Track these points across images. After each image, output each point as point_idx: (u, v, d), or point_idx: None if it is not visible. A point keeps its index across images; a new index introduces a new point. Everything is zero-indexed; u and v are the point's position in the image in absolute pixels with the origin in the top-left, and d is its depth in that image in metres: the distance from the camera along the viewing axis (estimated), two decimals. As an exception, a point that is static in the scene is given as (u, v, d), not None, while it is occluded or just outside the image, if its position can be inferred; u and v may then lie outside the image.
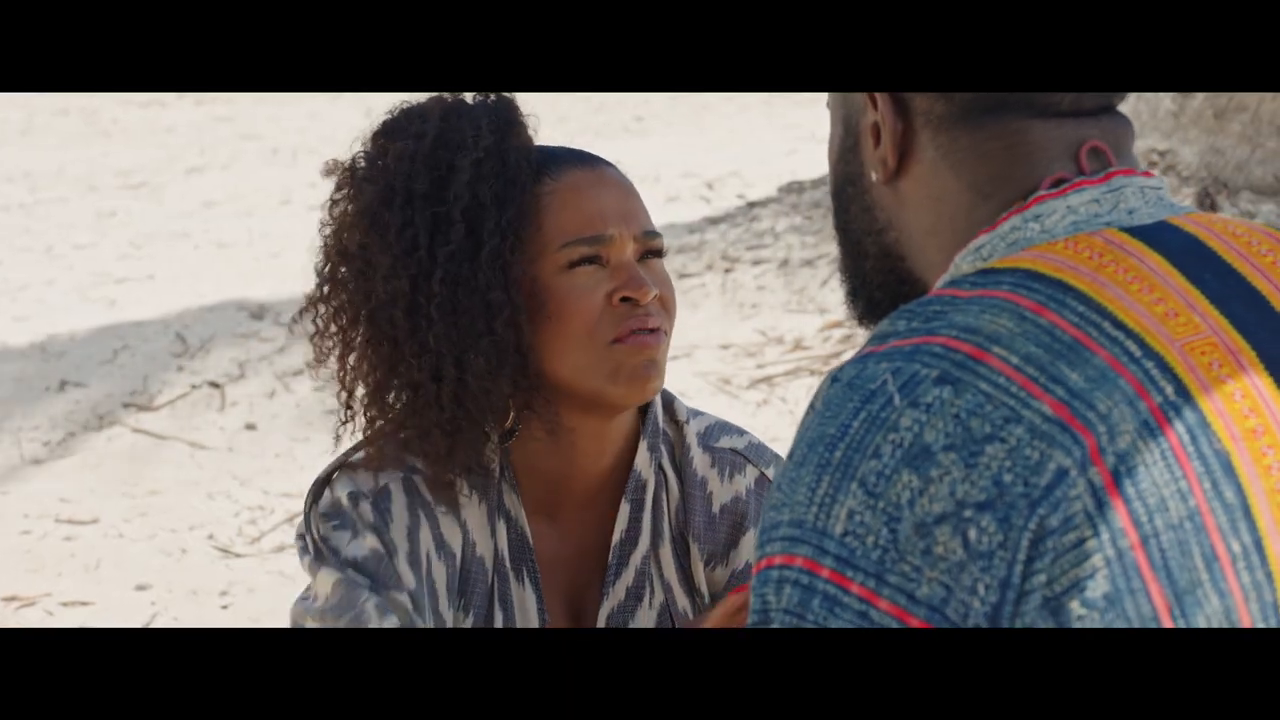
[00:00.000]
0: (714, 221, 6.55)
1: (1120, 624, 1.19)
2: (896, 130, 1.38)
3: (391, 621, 1.85)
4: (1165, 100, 5.59)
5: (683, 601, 2.01)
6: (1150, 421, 1.22)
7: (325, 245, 1.97)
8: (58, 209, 9.15)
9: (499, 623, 1.94)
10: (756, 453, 2.05)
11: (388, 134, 1.95)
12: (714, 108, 11.15)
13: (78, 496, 5.00)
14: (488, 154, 1.91)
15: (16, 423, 5.54)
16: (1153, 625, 1.19)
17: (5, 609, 4.37)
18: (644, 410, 2.01)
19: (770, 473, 2.04)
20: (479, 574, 1.95)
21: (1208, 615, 1.20)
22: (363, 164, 1.95)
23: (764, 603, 1.24)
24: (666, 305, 1.94)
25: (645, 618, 1.99)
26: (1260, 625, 1.21)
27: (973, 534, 1.19)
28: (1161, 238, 1.32)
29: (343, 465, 1.96)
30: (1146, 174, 1.38)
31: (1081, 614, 1.19)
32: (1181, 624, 1.20)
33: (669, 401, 2.04)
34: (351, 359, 1.96)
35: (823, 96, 1.49)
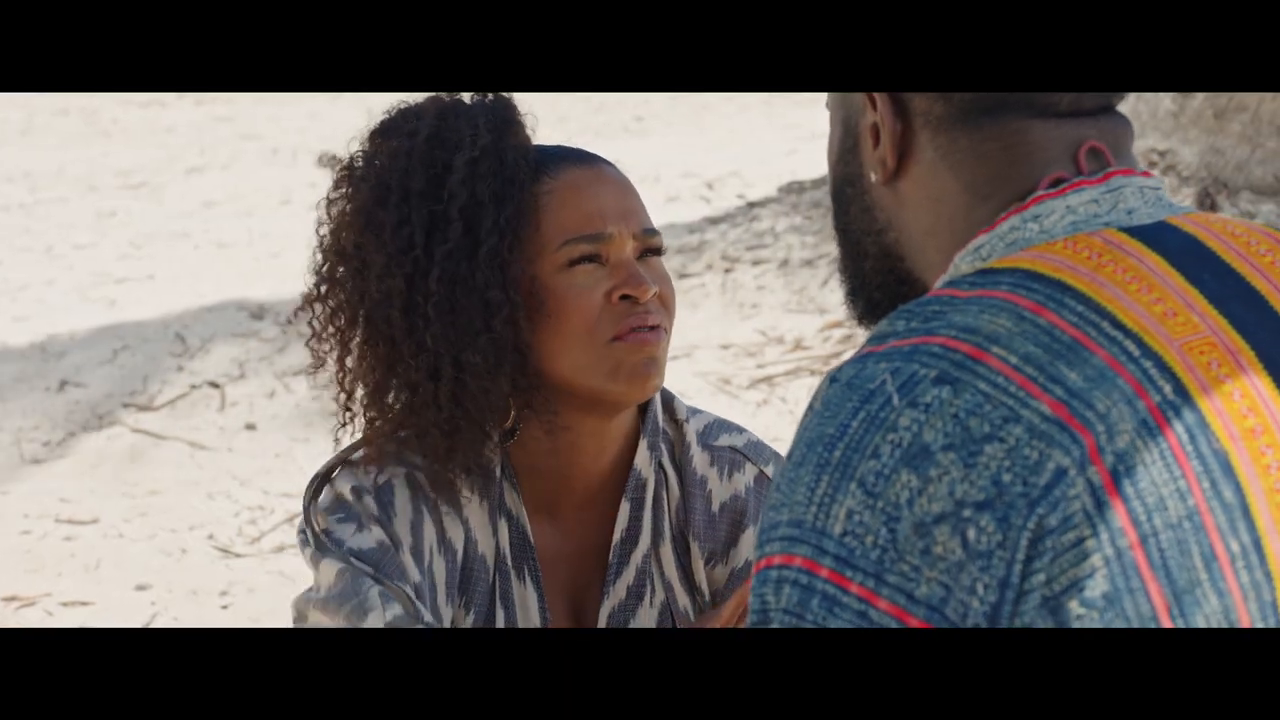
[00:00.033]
0: (714, 221, 6.55)
1: (1119, 623, 1.19)
2: (895, 131, 1.38)
3: (394, 610, 1.85)
4: (1165, 100, 5.59)
5: (683, 600, 2.01)
6: (1149, 421, 1.22)
7: (322, 245, 1.97)
8: (58, 209, 9.15)
9: (501, 621, 1.95)
10: (755, 450, 2.05)
11: (384, 133, 1.95)
12: (714, 108, 11.15)
13: (78, 496, 5.00)
14: (485, 152, 1.91)
15: (16, 423, 5.54)
16: (1151, 625, 1.19)
17: (5, 609, 4.37)
18: (644, 409, 2.01)
19: (769, 470, 2.05)
20: (480, 572, 1.95)
21: (1206, 615, 1.20)
22: (359, 163, 1.96)
23: (763, 602, 1.25)
24: (666, 303, 1.94)
25: (646, 616, 1.99)
26: (1259, 624, 1.21)
27: (972, 533, 1.19)
28: (1160, 238, 1.33)
29: (343, 462, 1.96)
30: (1145, 174, 1.38)
31: (1080, 613, 1.19)
32: (1180, 623, 1.20)
33: (668, 400, 2.04)
34: (350, 359, 1.96)
35: (822, 96, 1.49)
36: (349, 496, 1.92)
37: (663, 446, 2.02)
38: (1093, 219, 1.34)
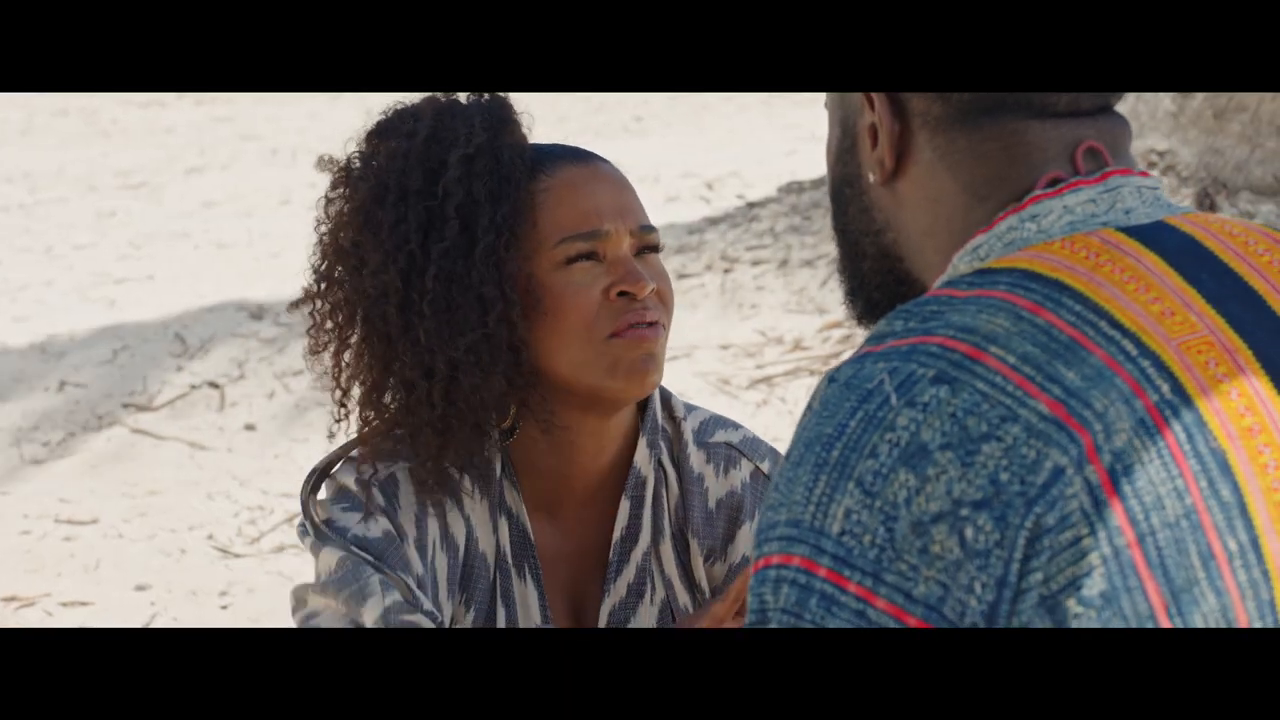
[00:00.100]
0: (713, 222, 6.55)
1: (1117, 622, 1.19)
2: (894, 131, 1.38)
3: (393, 596, 1.85)
4: (1164, 100, 5.60)
5: (683, 598, 2.01)
6: (1147, 420, 1.22)
7: (320, 244, 1.98)
8: (57, 209, 9.15)
9: (501, 619, 1.95)
10: (751, 447, 2.06)
11: (381, 133, 1.96)
12: (713, 108, 11.15)
13: (77, 497, 5.00)
14: (480, 151, 1.92)
15: (16, 423, 5.54)
16: (1149, 623, 1.19)
17: (5, 609, 4.37)
18: (643, 407, 2.01)
19: (765, 466, 2.05)
20: (481, 570, 1.95)
21: (1204, 613, 1.21)
22: (357, 163, 1.96)
23: (762, 602, 1.25)
24: (664, 299, 1.94)
25: (646, 614, 1.99)
26: (1257, 623, 1.21)
27: (969, 532, 1.20)
28: (1158, 238, 1.33)
29: (341, 458, 1.97)
30: (1144, 174, 1.38)
31: (1078, 612, 1.19)
32: (1178, 622, 1.20)
33: (665, 398, 2.05)
34: (347, 356, 1.97)
35: (822, 96, 1.49)
36: (354, 487, 1.93)
37: (662, 444, 2.02)
38: (1090, 219, 1.34)
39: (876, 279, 1.44)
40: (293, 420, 5.37)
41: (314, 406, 5.23)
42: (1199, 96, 5.51)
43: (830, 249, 5.58)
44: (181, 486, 5.04)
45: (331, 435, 2.00)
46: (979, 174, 1.36)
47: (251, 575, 4.50)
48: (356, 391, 1.97)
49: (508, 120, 1.96)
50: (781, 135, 9.80)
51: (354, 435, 1.99)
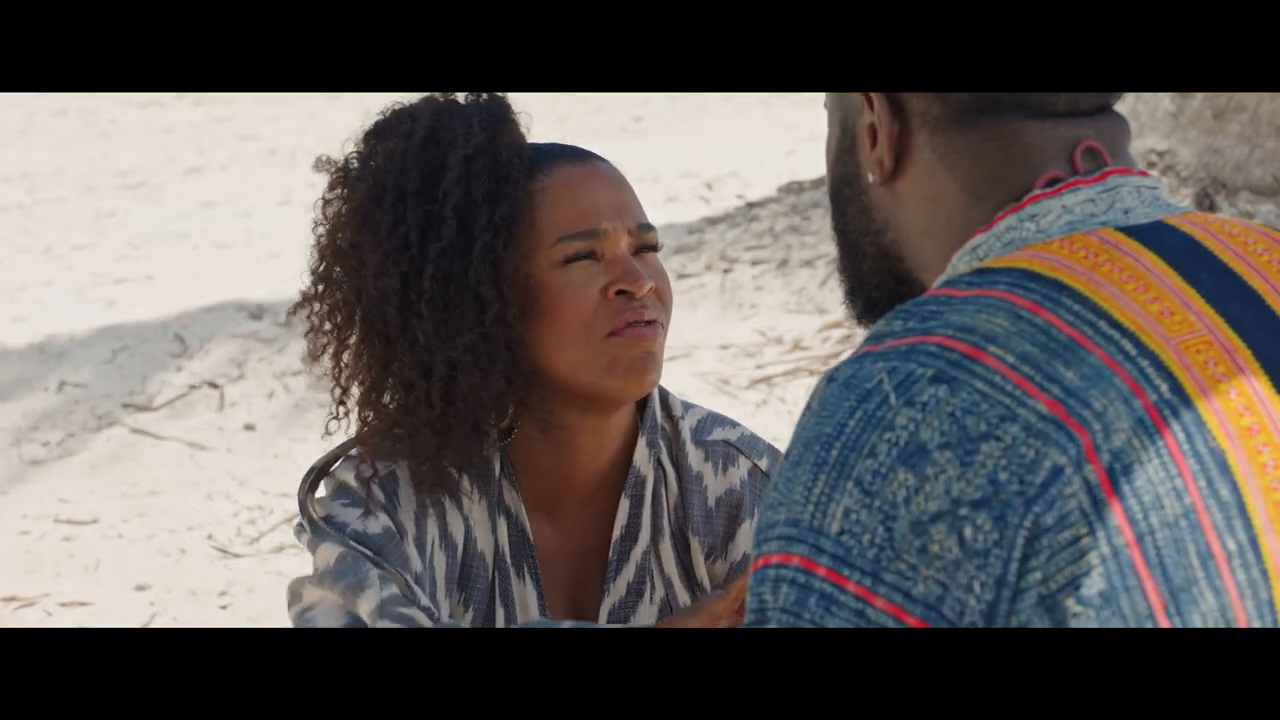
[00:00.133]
0: (713, 222, 6.55)
1: (1116, 621, 1.19)
2: (893, 131, 1.39)
3: (390, 589, 1.85)
4: (1164, 100, 5.60)
5: (683, 596, 2.01)
6: (1145, 419, 1.22)
7: (319, 244, 1.98)
8: (56, 209, 9.15)
9: (500, 619, 1.95)
10: (749, 444, 2.06)
11: (379, 133, 1.96)
12: (713, 108, 11.15)
13: (76, 497, 5.00)
14: (478, 151, 1.92)
15: (15, 423, 5.54)
16: (1148, 623, 1.20)
17: (4, 609, 4.37)
18: (642, 406, 2.01)
19: (763, 463, 2.05)
20: (480, 569, 1.95)
21: (1203, 613, 1.21)
22: (355, 164, 1.96)
23: (761, 602, 1.25)
24: (662, 298, 1.94)
25: (646, 613, 1.99)
26: (1255, 622, 1.21)
27: (968, 532, 1.20)
28: (1157, 237, 1.33)
29: (340, 457, 1.97)
30: (1143, 174, 1.38)
31: (1077, 611, 1.19)
32: (1177, 621, 1.20)
33: (664, 397, 2.05)
34: (346, 356, 1.97)
35: (821, 96, 1.49)
36: (354, 484, 1.93)
37: (661, 443, 2.02)
38: (1089, 218, 1.34)
39: (876, 279, 1.44)
40: (292, 420, 5.37)
41: (313, 406, 5.23)
42: (1198, 96, 5.51)
43: (830, 249, 5.58)
44: (181, 486, 5.04)
45: (329, 434, 2.00)
46: (978, 174, 1.36)
47: (251, 575, 4.50)
48: (356, 392, 1.97)
49: (506, 120, 1.96)
50: (781, 135, 9.80)
51: (352, 435, 1.99)
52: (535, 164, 1.95)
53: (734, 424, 2.08)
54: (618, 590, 1.99)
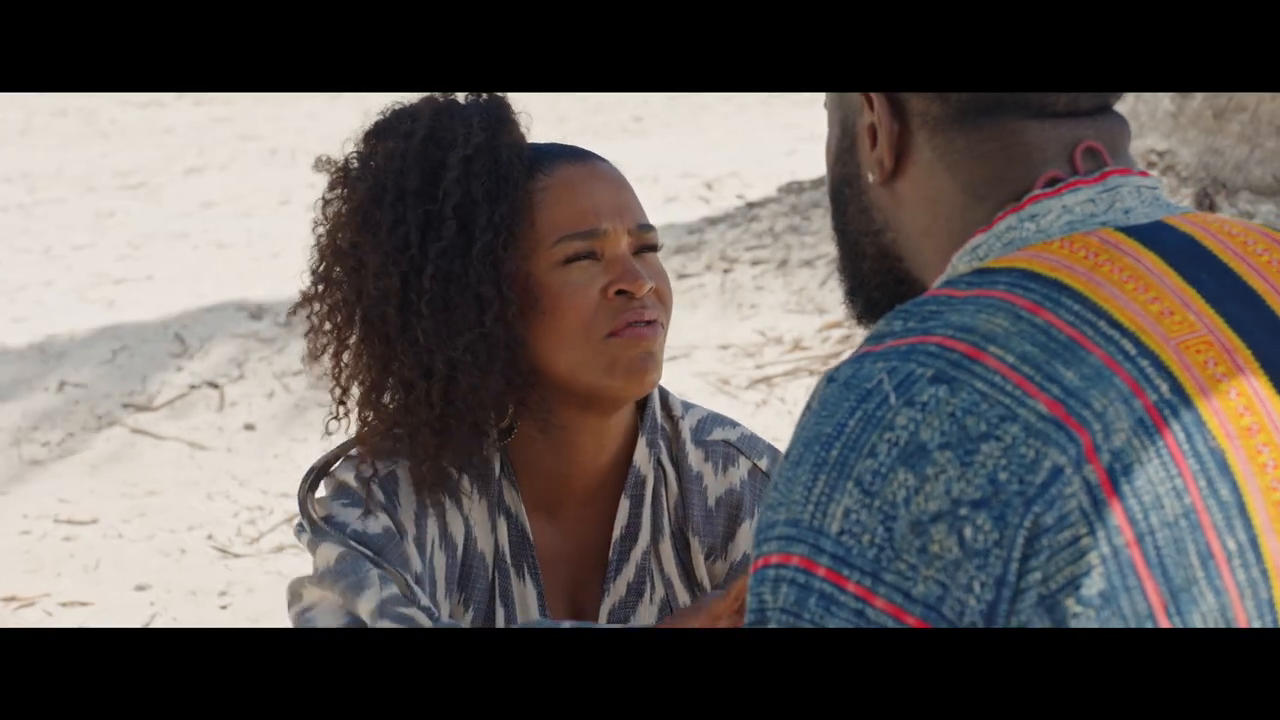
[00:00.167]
0: (713, 222, 6.55)
1: (1116, 621, 1.19)
2: (893, 131, 1.39)
3: (390, 589, 1.85)
4: (1164, 100, 5.60)
5: (683, 596, 2.01)
6: (1145, 419, 1.22)
7: (318, 244, 1.98)
8: (56, 209, 9.15)
9: (500, 619, 1.95)
10: (749, 444, 2.06)
11: (379, 133, 1.96)
12: (713, 108, 11.15)
13: (76, 497, 5.00)
14: (478, 151, 1.92)
15: (15, 423, 5.54)
16: (1148, 623, 1.20)
17: (4, 609, 4.37)
18: (642, 406, 2.02)
19: (763, 463, 2.05)
20: (480, 569, 1.96)
21: (1203, 613, 1.21)
22: (355, 164, 1.96)
23: (761, 602, 1.25)
24: (662, 298, 1.94)
25: (646, 613, 1.99)
26: (1255, 622, 1.21)
27: (968, 532, 1.20)
28: (1157, 237, 1.33)
29: (340, 457, 1.97)
30: (1143, 174, 1.38)
31: (1077, 611, 1.19)
32: (1177, 621, 1.20)
33: (664, 397, 2.05)
34: (346, 356, 1.97)
35: (821, 96, 1.49)
36: (354, 484, 1.93)
37: (661, 443, 2.02)
38: (1089, 218, 1.34)
39: (876, 279, 1.44)
40: (292, 420, 5.37)
41: (313, 406, 5.23)
42: (1198, 96, 5.51)
43: (830, 249, 5.58)
44: (181, 486, 5.04)
45: (329, 434, 2.00)
46: (978, 174, 1.36)
47: (251, 575, 4.50)
48: (356, 392, 1.97)
49: (506, 120, 1.97)
50: (781, 135, 9.80)
51: (352, 435, 1.99)
52: (535, 164, 1.95)
53: (734, 424, 2.08)
54: (618, 590, 1.99)
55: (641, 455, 2.00)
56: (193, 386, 5.67)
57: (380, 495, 1.92)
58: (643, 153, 9.27)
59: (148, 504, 4.94)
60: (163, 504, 4.93)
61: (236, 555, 4.62)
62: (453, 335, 1.90)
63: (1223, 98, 5.45)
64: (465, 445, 1.93)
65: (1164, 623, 1.20)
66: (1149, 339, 1.26)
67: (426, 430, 1.91)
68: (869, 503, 1.22)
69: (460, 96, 1.98)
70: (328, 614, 1.87)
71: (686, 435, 2.04)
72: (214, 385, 5.65)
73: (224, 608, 4.36)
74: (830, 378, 1.28)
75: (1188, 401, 1.24)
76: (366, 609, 1.84)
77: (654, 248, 1.97)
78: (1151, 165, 5.50)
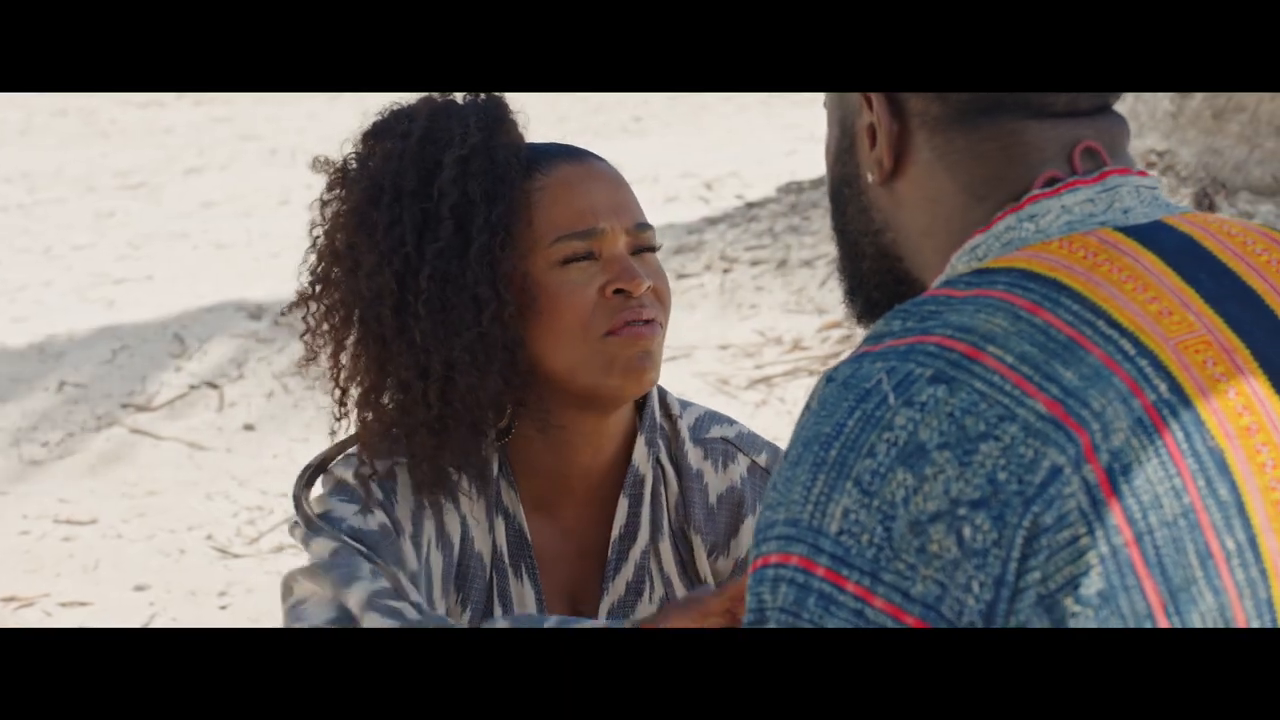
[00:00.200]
0: (713, 222, 6.55)
1: (1115, 621, 1.19)
2: (892, 131, 1.39)
3: (381, 583, 1.85)
4: (1163, 100, 5.60)
5: (683, 595, 2.01)
6: (1144, 419, 1.23)
7: (315, 246, 1.98)
8: (56, 209, 9.15)
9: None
10: (747, 441, 2.06)
11: (376, 134, 1.96)
12: (712, 108, 11.15)
13: (76, 497, 5.00)
14: (475, 151, 1.92)
15: (15, 423, 5.55)
16: (1147, 622, 1.20)
17: (4, 609, 4.37)
18: (640, 405, 2.02)
19: (762, 460, 2.05)
20: (477, 569, 1.96)
21: (1202, 613, 1.21)
22: (353, 164, 1.96)
23: (760, 602, 1.25)
24: (660, 297, 1.94)
25: (646, 613, 1.99)
26: (1254, 622, 1.21)
27: (967, 532, 1.20)
28: (1156, 237, 1.33)
29: (337, 455, 1.97)
30: (1142, 173, 1.38)
31: (1076, 611, 1.19)
32: (1176, 621, 1.20)
33: (662, 396, 2.05)
34: (344, 358, 1.97)
35: (821, 96, 1.50)
36: (352, 481, 1.93)
37: (660, 442, 2.02)
38: (1088, 218, 1.34)
39: (876, 278, 1.44)
40: (292, 420, 5.37)
41: (313, 407, 5.23)
42: (1198, 96, 5.51)
43: (829, 249, 5.58)
44: (180, 487, 5.04)
45: (333, 434, 2.00)
46: (977, 174, 1.36)
47: (250, 575, 4.50)
48: (354, 393, 1.98)
49: (503, 120, 1.96)
50: (781, 135, 9.80)
51: (350, 433, 1.99)
52: (533, 164, 1.95)
53: (731, 421, 2.08)
54: (617, 589, 1.99)
55: (640, 455, 2.00)
56: (192, 387, 5.67)
57: (378, 493, 1.92)
58: (642, 153, 9.27)
59: (147, 504, 4.94)
60: (162, 504, 4.94)
61: (236, 555, 4.62)
62: (450, 336, 1.90)
63: (1222, 98, 5.45)
64: (463, 445, 1.93)
65: (1163, 622, 1.20)
66: (1148, 339, 1.26)
67: (424, 430, 1.91)
68: (868, 502, 1.22)
69: (458, 97, 1.98)
70: (319, 607, 1.87)
71: (685, 434, 2.04)
72: (213, 385, 5.65)
73: (223, 608, 4.36)
74: (829, 378, 1.28)
75: (1186, 401, 1.24)
76: (356, 600, 1.84)
77: (652, 247, 1.96)
78: (1151, 165, 5.50)
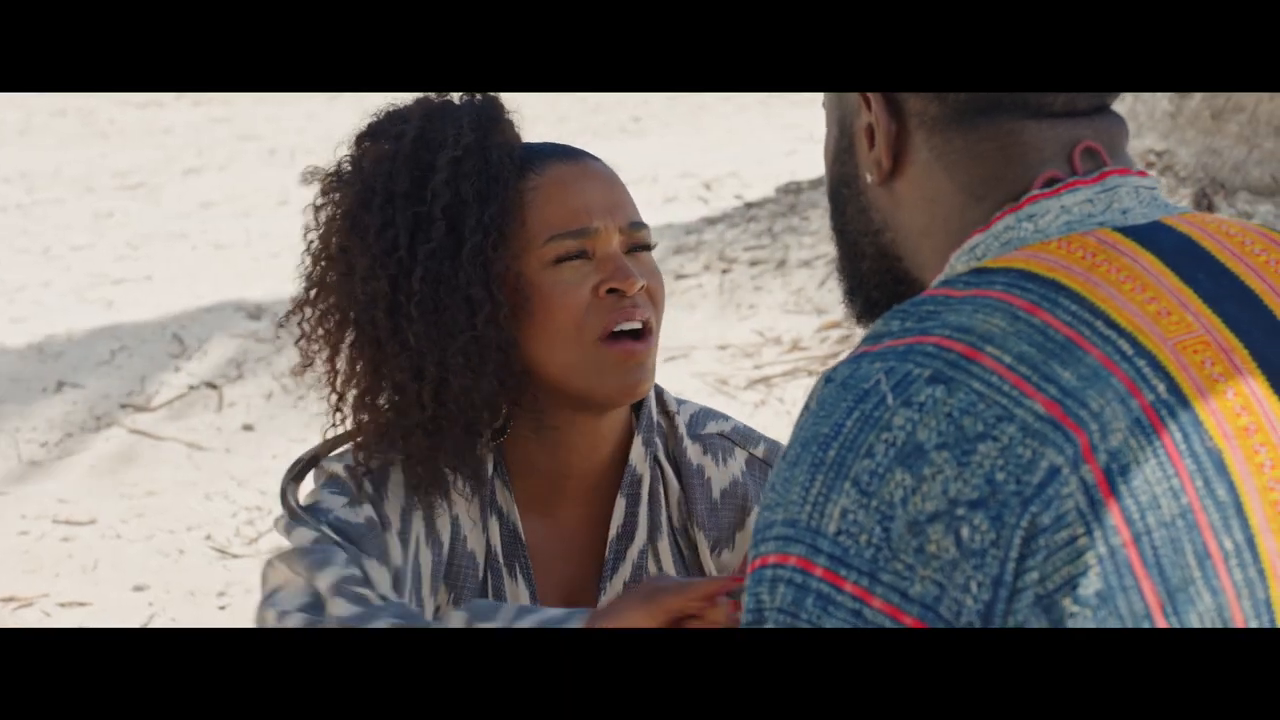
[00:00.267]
0: (712, 222, 6.56)
1: (1113, 621, 1.19)
2: (890, 131, 1.39)
3: (352, 570, 1.85)
4: (1162, 100, 5.60)
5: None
6: (1142, 420, 1.23)
7: (309, 249, 1.98)
8: (55, 210, 9.15)
9: (495, 619, 1.95)
10: (743, 436, 2.06)
11: (370, 136, 1.96)
12: (712, 108, 11.15)
13: (75, 497, 5.00)
14: (468, 151, 1.92)
15: (14, 424, 5.55)
16: (1145, 623, 1.20)
17: (3, 609, 4.37)
18: (637, 405, 2.02)
19: (759, 451, 2.06)
20: (469, 568, 1.96)
21: (1200, 613, 1.21)
22: (347, 167, 1.96)
23: (758, 602, 1.25)
24: (654, 297, 1.94)
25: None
26: (1253, 622, 1.21)
27: (965, 532, 1.20)
28: (1155, 237, 1.33)
29: (330, 451, 1.97)
30: (1141, 174, 1.38)
31: (1074, 611, 1.19)
32: (1174, 621, 1.20)
33: (659, 393, 2.05)
34: (340, 362, 1.97)
35: (820, 96, 1.50)
36: (343, 474, 1.94)
37: (657, 441, 2.02)
38: (1087, 219, 1.34)
39: (875, 278, 1.44)
40: (291, 421, 5.37)
41: (312, 407, 5.23)
42: (1197, 97, 5.51)
43: (828, 249, 5.57)
44: (179, 487, 5.04)
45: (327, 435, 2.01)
46: (976, 174, 1.37)
47: (249, 576, 4.50)
48: (351, 395, 1.98)
49: (498, 120, 1.96)
50: (780, 135, 9.80)
51: (344, 430, 2.00)
52: (526, 163, 1.95)
53: (725, 417, 2.08)
54: (614, 589, 1.99)
55: (637, 454, 2.00)
56: (191, 387, 5.67)
57: (369, 487, 1.93)
58: (641, 153, 9.27)
59: (146, 504, 4.94)
60: (161, 504, 4.94)
61: (235, 556, 4.62)
62: (444, 338, 1.90)
63: (1221, 98, 5.45)
64: (458, 446, 1.93)
65: (1161, 622, 1.20)
66: (1146, 339, 1.26)
67: (419, 432, 1.91)
68: (866, 503, 1.22)
69: (455, 97, 1.98)
70: (293, 595, 1.87)
71: (683, 430, 2.04)
72: (212, 386, 5.65)
73: (222, 608, 4.36)
74: (828, 378, 1.28)
75: (1185, 402, 1.24)
76: (325, 584, 1.84)
77: (647, 246, 1.96)
78: (1150, 165, 5.50)
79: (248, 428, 5.38)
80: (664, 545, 2.02)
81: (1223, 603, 1.21)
